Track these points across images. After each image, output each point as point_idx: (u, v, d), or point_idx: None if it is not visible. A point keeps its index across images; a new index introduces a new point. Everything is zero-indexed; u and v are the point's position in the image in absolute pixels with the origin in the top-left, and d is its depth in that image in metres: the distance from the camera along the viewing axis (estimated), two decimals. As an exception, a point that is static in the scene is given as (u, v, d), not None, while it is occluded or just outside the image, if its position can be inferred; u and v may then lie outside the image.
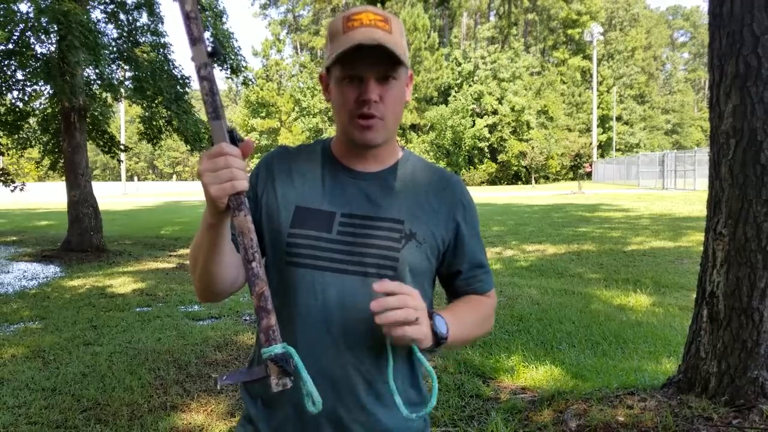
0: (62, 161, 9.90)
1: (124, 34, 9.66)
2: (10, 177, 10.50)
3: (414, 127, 42.26)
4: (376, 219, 1.00)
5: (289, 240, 0.99)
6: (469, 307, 1.07)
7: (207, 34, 9.77)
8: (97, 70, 8.50)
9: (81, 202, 9.10)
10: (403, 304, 0.84)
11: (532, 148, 39.10)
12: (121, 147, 11.17)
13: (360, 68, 0.94)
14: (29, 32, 7.95)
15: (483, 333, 1.11)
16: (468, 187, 1.13)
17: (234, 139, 0.82)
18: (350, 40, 0.92)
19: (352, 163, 1.04)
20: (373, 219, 1.00)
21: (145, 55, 9.01)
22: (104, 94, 9.86)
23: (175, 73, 9.63)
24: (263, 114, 46.24)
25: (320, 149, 1.08)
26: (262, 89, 45.19)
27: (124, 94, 9.61)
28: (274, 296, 1.03)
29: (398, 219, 1.00)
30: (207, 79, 0.79)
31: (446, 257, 1.06)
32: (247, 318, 5.06)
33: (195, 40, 0.78)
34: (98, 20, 9.39)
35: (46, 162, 10.98)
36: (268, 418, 1.02)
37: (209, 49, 0.79)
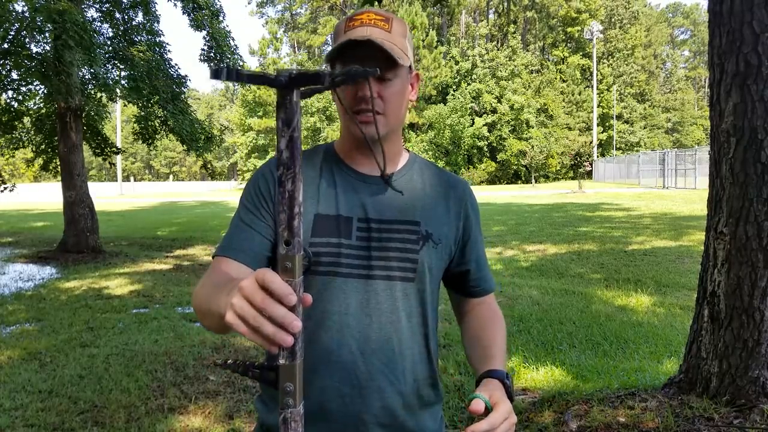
0: (57, 161, 9.84)
1: (120, 33, 9.60)
2: (1, 178, 10.44)
3: (412, 126, 42.16)
4: (393, 222, 1.00)
5: (310, 249, 0.98)
6: (496, 329, 1.06)
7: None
8: (92, 70, 8.44)
9: (77, 202, 9.05)
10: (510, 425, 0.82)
11: (532, 147, 39.00)
12: (114, 149, 11.08)
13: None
14: (24, 32, 7.91)
15: None
16: (467, 187, 1.14)
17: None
18: (345, 38, 0.94)
19: (360, 166, 1.04)
20: (389, 222, 1.00)
21: (140, 54, 8.95)
22: (99, 94, 9.79)
23: (171, 73, 9.58)
24: (260, 113, 46.12)
25: (324, 154, 1.08)
26: (259, 88, 45.06)
27: (119, 94, 9.56)
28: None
29: (415, 221, 1.01)
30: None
31: (455, 257, 1.08)
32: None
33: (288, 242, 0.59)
34: (93, 19, 9.34)
35: (39, 162, 10.91)
36: None
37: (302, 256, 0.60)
